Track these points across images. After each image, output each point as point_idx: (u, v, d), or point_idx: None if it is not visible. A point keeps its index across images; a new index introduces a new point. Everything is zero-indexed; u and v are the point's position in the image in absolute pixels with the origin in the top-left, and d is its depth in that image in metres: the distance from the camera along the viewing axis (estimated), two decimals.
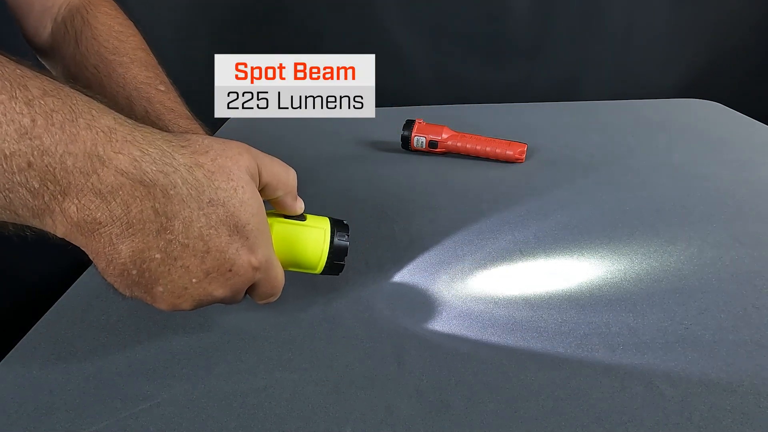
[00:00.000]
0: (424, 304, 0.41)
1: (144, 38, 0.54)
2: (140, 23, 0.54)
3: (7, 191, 0.24)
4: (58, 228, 0.26)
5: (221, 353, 0.37)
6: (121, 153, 0.25)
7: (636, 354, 0.36)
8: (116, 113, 0.27)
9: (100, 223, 0.25)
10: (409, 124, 0.70)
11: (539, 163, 0.67)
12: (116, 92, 0.50)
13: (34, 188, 0.24)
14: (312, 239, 0.36)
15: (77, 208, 0.25)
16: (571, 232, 0.51)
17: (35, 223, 0.26)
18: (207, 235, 0.28)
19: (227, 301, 0.33)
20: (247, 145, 0.31)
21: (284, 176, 0.33)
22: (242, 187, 0.29)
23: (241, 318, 0.40)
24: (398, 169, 0.66)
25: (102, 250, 0.26)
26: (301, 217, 0.36)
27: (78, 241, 0.27)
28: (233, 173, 0.29)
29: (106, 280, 0.28)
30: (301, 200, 0.36)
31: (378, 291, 0.43)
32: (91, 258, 0.28)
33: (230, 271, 0.30)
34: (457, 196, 0.59)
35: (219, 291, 0.30)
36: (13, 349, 0.37)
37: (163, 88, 0.52)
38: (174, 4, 1.08)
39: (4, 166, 0.23)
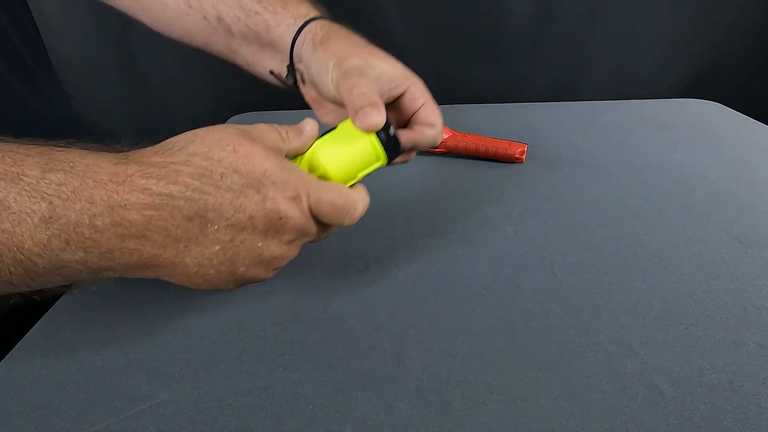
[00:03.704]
0: (424, 304, 0.41)
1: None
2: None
3: (58, 269, 0.26)
4: (121, 275, 0.28)
5: (221, 353, 0.37)
6: (133, 191, 0.26)
7: (636, 354, 0.36)
8: (106, 154, 0.28)
9: (155, 254, 0.27)
10: None
11: (539, 163, 0.67)
12: None
13: (81, 258, 0.26)
14: (355, 137, 0.35)
15: (129, 255, 0.27)
16: (571, 232, 0.51)
17: (97, 279, 0.28)
18: (240, 204, 0.29)
19: (313, 239, 0.33)
20: (227, 124, 0.32)
21: (277, 135, 0.33)
22: (239, 144, 0.29)
23: (241, 317, 0.40)
24: (398, 169, 0.66)
25: (172, 272, 0.29)
26: (332, 129, 0.36)
27: (146, 275, 0.28)
28: (225, 140, 0.29)
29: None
30: (305, 125, 0.34)
31: (378, 291, 0.43)
32: (172, 282, 0.29)
33: (281, 219, 0.30)
34: (457, 196, 0.59)
35: (288, 236, 0.31)
36: (13, 349, 0.37)
37: None
38: None
39: (47, 252, 0.25)
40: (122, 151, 0.29)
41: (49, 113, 0.53)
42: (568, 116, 0.85)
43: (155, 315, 0.40)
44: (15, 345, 0.38)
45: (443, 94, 1.19)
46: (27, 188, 0.24)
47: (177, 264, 0.28)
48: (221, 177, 0.28)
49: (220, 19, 0.45)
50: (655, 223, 0.52)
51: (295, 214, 0.31)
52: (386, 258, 0.47)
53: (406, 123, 0.41)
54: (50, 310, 0.41)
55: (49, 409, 0.33)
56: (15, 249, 0.24)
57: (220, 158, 0.28)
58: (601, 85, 1.09)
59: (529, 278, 0.44)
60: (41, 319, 0.40)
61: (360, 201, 0.34)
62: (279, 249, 0.31)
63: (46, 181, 0.24)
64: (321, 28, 0.40)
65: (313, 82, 0.41)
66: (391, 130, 0.35)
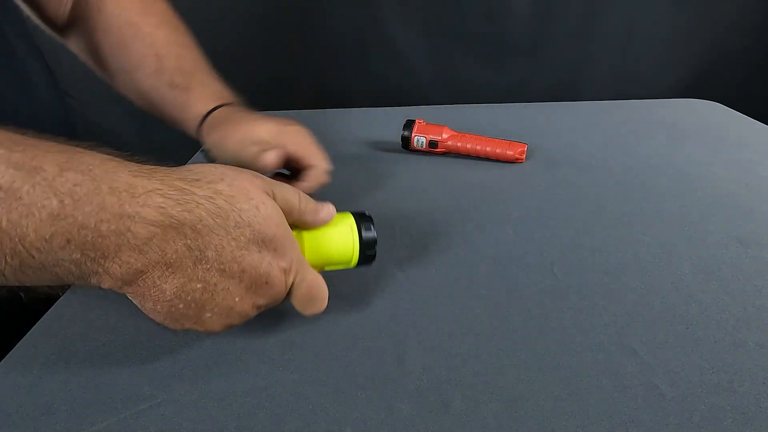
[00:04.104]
0: (424, 304, 0.41)
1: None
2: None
3: (52, 266, 0.25)
4: (104, 284, 0.28)
5: (221, 353, 0.37)
6: (146, 206, 0.26)
7: (636, 354, 0.36)
8: (128, 164, 0.28)
9: (142, 272, 0.27)
10: (409, 124, 0.70)
11: (539, 163, 0.67)
12: (144, 51, 0.53)
13: (77, 259, 0.25)
14: (341, 237, 0.37)
15: (119, 266, 0.26)
16: (571, 232, 0.51)
17: (80, 284, 0.27)
18: (240, 256, 0.29)
19: (271, 306, 0.34)
20: (255, 172, 0.33)
21: (296, 201, 0.34)
22: (263, 203, 0.30)
23: None
24: (398, 169, 0.66)
25: (147, 293, 0.28)
26: None
27: (123, 290, 0.28)
28: (251, 192, 0.30)
29: (153, 320, 0.30)
30: (322, 211, 0.36)
31: (378, 291, 0.43)
32: (136, 303, 0.29)
33: (267, 283, 0.31)
34: (457, 196, 0.59)
35: (261, 301, 0.32)
36: (13, 349, 0.37)
37: (192, 49, 0.55)
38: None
39: (46, 247, 0.24)
40: (146, 164, 0.29)
41: (47, 113, 0.53)
42: (568, 116, 0.85)
43: None
44: (15, 345, 0.38)
45: (443, 94, 1.20)
46: (42, 183, 0.24)
47: (155, 286, 0.28)
48: (235, 225, 0.29)
49: (152, 103, 0.54)
50: (655, 223, 0.52)
51: (280, 283, 0.32)
52: (386, 258, 0.47)
53: (297, 168, 0.48)
54: (50, 310, 0.41)
55: (49, 409, 0.33)
56: (17, 240, 0.24)
57: (241, 208, 0.29)
58: (601, 85, 1.09)
59: (529, 278, 0.44)
60: (41, 319, 0.40)
61: (326, 297, 0.36)
62: (248, 309, 0.32)
63: (62, 179, 0.24)
64: (213, 119, 0.50)
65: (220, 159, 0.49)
66: (374, 249, 0.38)
